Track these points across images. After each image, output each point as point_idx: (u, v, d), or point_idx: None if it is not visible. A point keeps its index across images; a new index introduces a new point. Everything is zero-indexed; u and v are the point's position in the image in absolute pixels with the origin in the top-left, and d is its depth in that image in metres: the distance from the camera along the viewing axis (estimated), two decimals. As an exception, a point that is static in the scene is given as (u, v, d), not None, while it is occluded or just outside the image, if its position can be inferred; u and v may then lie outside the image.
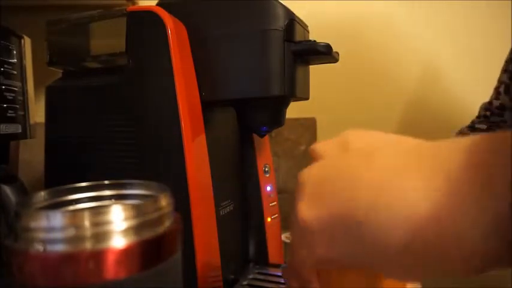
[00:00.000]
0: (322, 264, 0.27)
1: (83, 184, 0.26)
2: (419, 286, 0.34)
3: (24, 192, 0.43)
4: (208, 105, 0.44)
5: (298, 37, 0.43)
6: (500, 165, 0.18)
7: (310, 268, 0.28)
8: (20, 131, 0.46)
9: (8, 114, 0.44)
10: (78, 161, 0.46)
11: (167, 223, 0.21)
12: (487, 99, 0.76)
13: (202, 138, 0.42)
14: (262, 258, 0.59)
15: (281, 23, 0.41)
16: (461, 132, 0.72)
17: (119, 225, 0.19)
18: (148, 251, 0.19)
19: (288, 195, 0.86)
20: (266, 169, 0.60)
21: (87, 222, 0.18)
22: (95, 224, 0.18)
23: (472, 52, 0.91)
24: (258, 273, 0.56)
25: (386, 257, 0.22)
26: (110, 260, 0.18)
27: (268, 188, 0.60)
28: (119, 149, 0.43)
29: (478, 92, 0.76)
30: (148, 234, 0.19)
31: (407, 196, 0.21)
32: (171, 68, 0.39)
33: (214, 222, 0.43)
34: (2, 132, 0.43)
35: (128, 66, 0.42)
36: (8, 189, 0.41)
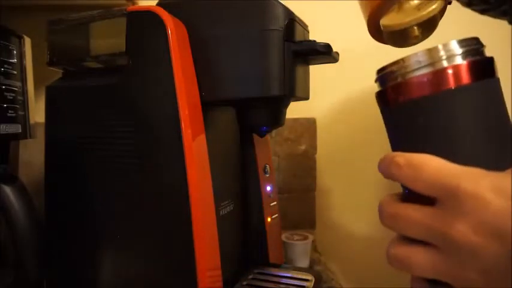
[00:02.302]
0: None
1: None
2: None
3: (24, 192, 0.43)
4: (208, 105, 0.44)
5: (298, 37, 0.43)
6: None
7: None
8: (20, 131, 0.46)
9: (8, 114, 0.44)
10: (78, 161, 0.46)
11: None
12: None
13: (202, 138, 0.42)
14: (262, 258, 0.59)
15: (281, 23, 0.41)
16: None
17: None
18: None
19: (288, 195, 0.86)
20: (266, 169, 0.60)
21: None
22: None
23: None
24: (258, 273, 0.56)
25: None
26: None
27: (268, 188, 0.60)
28: (118, 149, 0.43)
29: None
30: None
31: None
32: (171, 68, 0.39)
33: (214, 222, 0.43)
34: (2, 132, 0.43)
35: (128, 66, 0.42)
36: (8, 189, 0.41)
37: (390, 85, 0.28)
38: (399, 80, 0.27)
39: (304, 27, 0.47)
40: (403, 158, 0.26)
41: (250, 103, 0.46)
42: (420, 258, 0.25)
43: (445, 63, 0.25)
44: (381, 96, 0.29)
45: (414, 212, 0.25)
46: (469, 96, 0.25)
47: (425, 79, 0.26)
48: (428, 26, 0.39)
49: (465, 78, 0.25)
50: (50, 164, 0.48)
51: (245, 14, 0.41)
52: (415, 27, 0.38)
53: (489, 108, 0.26)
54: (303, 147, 0.87)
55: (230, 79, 0.42)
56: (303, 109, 0.85)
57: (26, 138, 0.47)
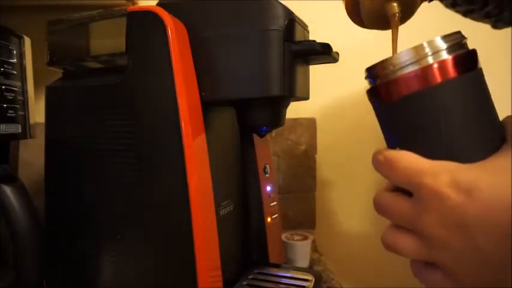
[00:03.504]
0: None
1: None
2: None
3: (24, 192, 0.43)
4: (208, 105, 0.44)
5: (298, 37, 0.43)
6: None
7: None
8: (20, 131, 0.46)
9: (8, 114, 0.44)
10: (78, 161, 0.46)
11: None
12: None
13: (202, 138, 0.42)
14: (262, 258, 0.59)
15: (281, 23, 0.41)
16: None
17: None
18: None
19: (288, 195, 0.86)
20: (266, 169, 0.60)
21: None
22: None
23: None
24: (258, 273, 0.56)
25: None
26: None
27: (268, 188, 0.60)
28: (118, 149, 0.43)
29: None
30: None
31: None
32: (171, 68, 0.39)
33: (214, 222, 0.43)
34: (2, 132, 0.43)
35: (128, 66, 0.42)
36: (8, 189, 0.41)
37: (379, 83, 0.28)
38: (387, 77, 0.27)
39: (304, 27, 0.47)
40: (382, 154, 0.28)
41: (250, 103, 0.46)
42: (405, 244, 0.27)
43: (430, 60, 0.26)
44: (371, 93, 0.30)
45: (394, 202, 0.27)
46: (456, 89, 0.26)
47: (412, 76, 0.26)
48: (408, 3, 0.39)
49: (451, 72, 0.26)
50: (50, 164, 0.48)
51: (245, 14, 0.41)
52: (394, 3, 0.37)
53: (477, 98, 0.27)
54: (303, 147, 0.87)
55: (230, 79, 0.42)
56: (303, 109, 0.85)
57: (26, 138, 0.47)
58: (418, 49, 0.26)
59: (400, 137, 0.28)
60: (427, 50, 0.26)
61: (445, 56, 0.26)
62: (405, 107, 0.27)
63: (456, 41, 0.26)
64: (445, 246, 0.24)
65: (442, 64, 0.26)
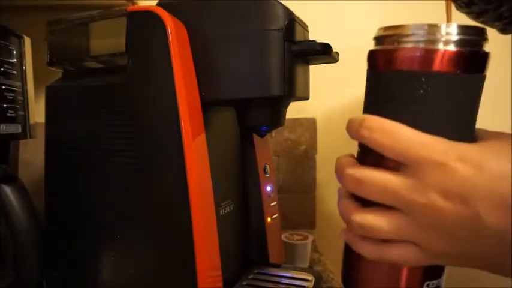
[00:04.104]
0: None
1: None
2: None
3: (24, 192, 0.43)
4: (208, 105, 0.44)
5: (298, 37, 0.43)
6: None
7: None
8: (20, 131, 0.46)
9: (8, 114, 0.44)
10: (78, 161, 0.46)
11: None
12: (486, 100, 0.75)
13: (202, 138, 0.42)
14: (262, 258, 0.59)
15: (281, 23, 0.41)
16: None
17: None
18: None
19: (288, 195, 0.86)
20: (266, 169, 0.60)
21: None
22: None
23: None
24: (258, 273, 0.56)
25: None
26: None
27: (268, 188, 0.60)
28: (118, 149, 0.43)
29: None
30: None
31: None
32: (171, 68, 0.39)
33: (214, 222, 0.43)
34: (2, 132, 0.43)
35: (128, 66, 0.42)
36: (8, 189, 0.41)
37: (382, 48, 0.27)
38: (392, 45, 0.26)
39: (304, 27, 0.47)
40: (376, 122, 0.26)
41: (250, 103, 0.46)
42: (386, 223, 0.26)
43: (437, 44, 0.25)
44: (371, 56, 0.29)
45: (382, 178, 0.26)
46: (448, 84, 0.25)
47: (414, 53, 0.25)
48: None
49: (449, 66, 0.25)
50: (50, 164, 0.48)
51: (245, 14, 0.41)
52: None
53: (463, 103, 0.26)
54: (303, 147, 0.87)
55: (230, 79, 0.42)
56: (303, 109, 0.85)
57: (26, 138, 0.47)
58: (432, 28, 0.25)
59: (383, 107, 0.27)
60: (440, 33, 0.25)
61: (451, 47, 0.25)
62: (393, 81, 0.26)
63: (471, 37, 0.25)
64: (444, 219, 0.24)
65: (444, 54, 0.25)
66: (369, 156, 0.28)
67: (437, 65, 0.25)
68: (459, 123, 0.26)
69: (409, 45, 0.26)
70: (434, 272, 0.29)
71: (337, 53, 0.47)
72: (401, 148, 0.25)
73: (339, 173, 0.28)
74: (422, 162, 0.25)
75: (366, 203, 0.27)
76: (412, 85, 0.25)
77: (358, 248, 0.29)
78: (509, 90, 0.80)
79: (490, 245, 0.24)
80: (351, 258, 0.31)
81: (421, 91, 0.25)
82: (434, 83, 0.25)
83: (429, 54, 0.25)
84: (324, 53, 0.42)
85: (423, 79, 0.25)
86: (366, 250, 0.28)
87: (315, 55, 0.44)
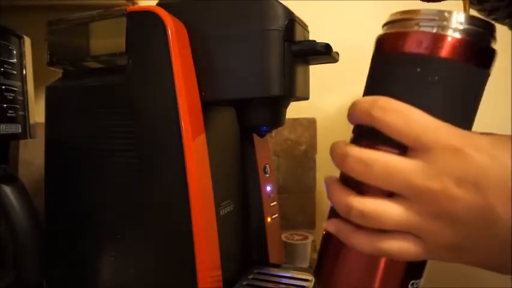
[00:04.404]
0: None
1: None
2: None
3: (24, 192, 0.43)
4: (208, 105, 0.44)
5: (298, 37, 0.43)
6: None
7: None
8: (20, 131, 0.46)
9: (8, 114, 0.44)
10: (78, 161, 0.46)
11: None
12: (486, 101, 0.75)
13: (202, 138, 0.42)
14: (262, 258, 0.59)
15: (281, 23, 0.41)
16: None
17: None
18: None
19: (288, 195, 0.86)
20: (266, 169, 0.60)
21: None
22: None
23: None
24: (258, 273, 0.56)
25: None
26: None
27: (268, 188, 0.60)
28: (118, 149, 0.43)
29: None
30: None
31: None
32: (171, 68, 0.39)
33: (214, 222, 0.43)
34: (2, 132, 0.43)
35: (128, 66, 0.42)
36: (8, 189, 0.41)
37: (392, 31, 0.27)
38: (402, 28, 0.26)
39: (304, 27, 0.47)
40: (392, 104, 0.25)
41: (250, 103, 0.46)
42: (394, 212, 0.25)
43: (447, 31, 0.25)
44: (380, 40, 0.28)
45: (392, 161, 0.25)
46: (454, 72, 0.25)
47: (424, 37, 0.25)
48: None
49: (457, 54, 0.25)
50: (50, 164, 0.48)
51: (245, 14, 0.41)
52: None
53: (467, 93, 0.26)
54: (303, 147, 0.87)
55: (230, 79, 0.42)
56: (303, 109, 0.85)
57: (26, 138, 0.47)
58: (442, 14, 0.25)
59: (387, 93, 0.26)
60: (451, 20, 0.25)
61: (456, 34, 0.25)
62: (400, 64, 0.26)
63: (477, 29, 0.25)
64: (454, 207, 0.23)
65: (451, 40, 0.25)
66: (369, 139, 0.26)
67: (446, 51, 0.25)
68: (462, 114, 0.26)
69: (419, 29, 0.26)
70: (417, 270, 0.28)
71: (337, 53, 0.47)
72: (417, 131, 0.24)
73: (340, 155, 0.26)
74: (438, 147, 0.24)
75: (360, 192, 0.26)
76: (419, 70, 0.25)
77: (349, 240, 0.27)
78: (510, 90, 0.80)
79: (499, 238, 0.23)
80: (329, 252, 0.30)
81: (429, 77, 0.25)
82: (441, 69, 0.25)
83: (438, 39, 0.25)
84: (324, 53, 0.42)
85: (431, 64, 0.25)
86: (359, 242, 0.26)
87: (315, 55, 0.44)
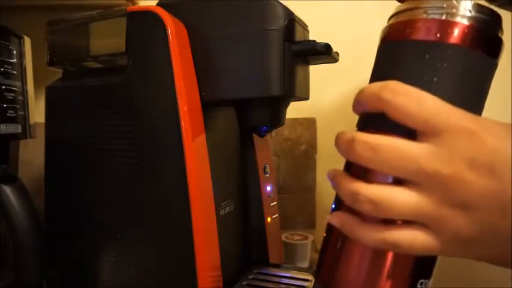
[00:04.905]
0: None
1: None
2: None
3: (24, 192, 0.43)
4: (208, 105, 0.44)
5: (298, 37, 0.43)
6: None
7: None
8: (20, 131, 0.46)
9: (8, 114, 0.44)
10: (78, 161, 0.46)
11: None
12: (486, 102, 0.75)
13: (202, 138, 0.42)
14: (262, 258, 0.59)
15: (281, 23, 0.41)
16: None
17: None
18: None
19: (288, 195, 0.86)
20: (266, 169, 0.60)
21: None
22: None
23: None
24: (258, 273, 0.56)
25: None
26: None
27: (268, 188, 0.60)
28: (118, 149, 0.43)
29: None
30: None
31: None
32: (171, 68, 0.39)
33: (214, 222, 0.43)
34: (2, 132, 0.43)
35: (128, 66, 0.42)
36: (8, 189, 0.41)
37: (400, 19, 0.27)
38: (410, 16, 0.27)
39: (304, 27, 0.47)
40: (402, 87, 0.24)
41: (250, 103, 0.46)
42: (404, 198, 0.24)
43: (455, 17, 0.25)
44: (388, 28, 0.29)
45: (401, 145, 0.24)
46: (462, 59, 0.25)
47: (432, 24, 0.26)
48: None
49: (466, 40, 0.25)
50: (50, 164, 0.48)
51: (245, 14, 0.41)
52: None
53: (473, 80, 0.26)
54: (303, 147, 0.87)
55: (230, 79, 0.42)
56: (303, 109, 0.85)
57: (26, 138, 0.47)
58: (448, 2, 0.25)
59: (393, 78, 0.26)
60: (459, 7, 0.25)
61: (465, 21, 0.25)
62: (408, 50, 0.26)
63: (483, 17, 0.25)
64: (467, 191, 0.22)
65: (460, 27, 0.25)
66: (376, 123, 0.26)
67: (454, 37, 0.25)
68: (471, 101, 0.26)
69: (428, 16, 0.26)
70: (426, 268, 0.27)
71: (337, 53, 0.47)
72: (428, 113, 0.23)
73: (346, 142, 0.25)
74: (449, 130, 0.23)
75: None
76: (427, 56, 0.25)
77: (354, 232, 0.26)
78: (510, 90, 0.79)
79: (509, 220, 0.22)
80: (331, 249, 0.28)
81: (438, 64, 0.25)
82: (450, 55, 0.25)
83: (447, 25, 0.25)
84: (324, 53, 0.42)
85: (439, 51, 0.25)
86: (365, 234, 0.25)
87: (315, 55, 0.44)
